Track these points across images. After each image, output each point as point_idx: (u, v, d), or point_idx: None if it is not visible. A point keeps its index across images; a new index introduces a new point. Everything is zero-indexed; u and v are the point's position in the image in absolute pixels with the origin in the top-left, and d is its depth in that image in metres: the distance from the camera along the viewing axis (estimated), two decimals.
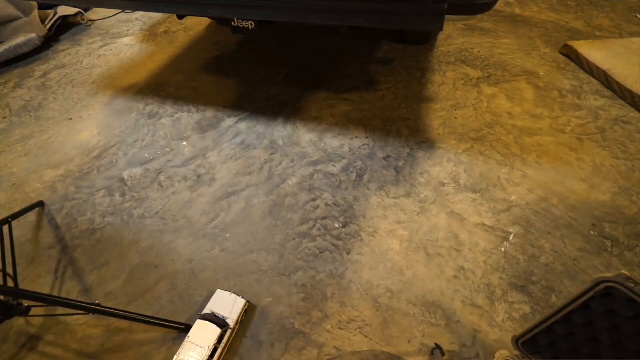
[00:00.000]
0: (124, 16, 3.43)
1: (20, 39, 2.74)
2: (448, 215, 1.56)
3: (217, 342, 1.16)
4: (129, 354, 1.23)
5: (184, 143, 2.01)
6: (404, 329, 1.25)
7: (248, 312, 1.31)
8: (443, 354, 1.15)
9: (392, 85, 2.30)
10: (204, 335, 1.17)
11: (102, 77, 2.59)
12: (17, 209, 1.60)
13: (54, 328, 1.31)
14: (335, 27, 1.73)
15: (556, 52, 2.50)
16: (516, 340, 0.92)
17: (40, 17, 2.95)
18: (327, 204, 1.64)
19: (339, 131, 2.01)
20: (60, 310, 1.07)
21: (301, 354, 1.21)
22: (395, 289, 1.35)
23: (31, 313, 1.06)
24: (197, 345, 1.14)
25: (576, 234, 1.47)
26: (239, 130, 2.06)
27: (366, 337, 1.24)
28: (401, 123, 2.03)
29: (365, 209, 1.61)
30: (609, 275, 0.65)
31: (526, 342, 0.90)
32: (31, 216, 1.68)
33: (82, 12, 3.26)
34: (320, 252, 1.47)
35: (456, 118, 2.03)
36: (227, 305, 1.26)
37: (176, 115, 2.20)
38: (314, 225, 1.57)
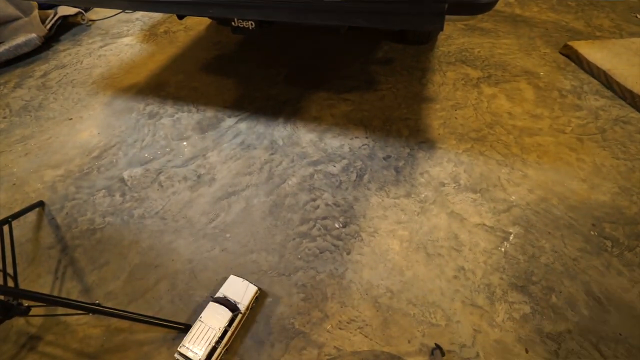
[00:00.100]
0: (124, 16, 3.43)
1: (20, 39, 2.74)
2: (448, 215, 1.56)
3: (227, 325, 1.19)
4: (129, 354, 1.23)
5: (184, 143, 2.02)
6: (404, 329, 1.25)
7: (259, 299, 1.34)
8: (443, 354, 1.15)
9: (392, 85, 2.30)
10: (215, 317, 1.20)
11: (102, 77, 2.59)
12: (17, 209, 1.60)
13: (54, 328, 1.31)
14: (335, 27, 1.73)
15: (556, 52, 2.50)
16: None
17: (40, 17, 2.95)
18: (327, 204, 1.64)
19: (339, 131, 2.01)
20: (60, 310, 1.07)
21: (301, 354, 1.21)
22: (395, 289, 1.35)
23: (31, 313, 1.05)
24: (209, 326, 1.18)
25: (576, 234, 1.47)
26: (239, 130, 2.07)
27: (366, 337, 1.24)
28: (401, 123, 2.03)
29: (365, 209, 1.61)
30: None
31: None
32: (31, 216, 1.68)
33: (82, 12, 3.26)
34: (320, 252, 1.47)
35: (456, 118, 2.03)
36: (239, 290, 1.29)
37: (176, 115, 2.20)
38: (314, 225, 1.57)
